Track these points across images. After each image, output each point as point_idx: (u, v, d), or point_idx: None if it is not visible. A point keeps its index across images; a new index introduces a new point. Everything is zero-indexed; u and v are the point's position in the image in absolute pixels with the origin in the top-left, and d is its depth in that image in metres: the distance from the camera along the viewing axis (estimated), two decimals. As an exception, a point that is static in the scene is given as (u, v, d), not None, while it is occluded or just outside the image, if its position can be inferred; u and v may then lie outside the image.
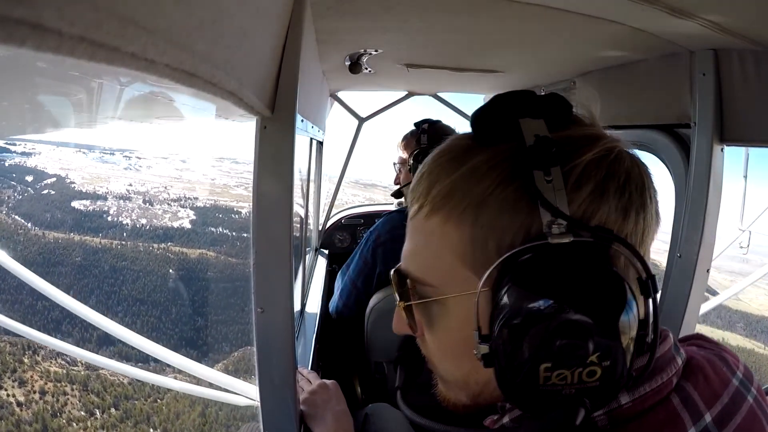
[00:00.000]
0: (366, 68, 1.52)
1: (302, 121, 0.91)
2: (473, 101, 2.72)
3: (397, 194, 1.70)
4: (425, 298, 0.43)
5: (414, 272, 0.44)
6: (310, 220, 2.13)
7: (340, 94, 2.23)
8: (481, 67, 1.60)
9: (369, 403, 1.15)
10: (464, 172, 0.40)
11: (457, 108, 2.46)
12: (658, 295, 0.38)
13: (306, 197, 1.92)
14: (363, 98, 2.66)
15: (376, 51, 1.37)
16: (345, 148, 2.46)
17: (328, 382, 0.98)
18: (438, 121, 1.61)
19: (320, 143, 2.03)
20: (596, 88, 1.50)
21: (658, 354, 0.42)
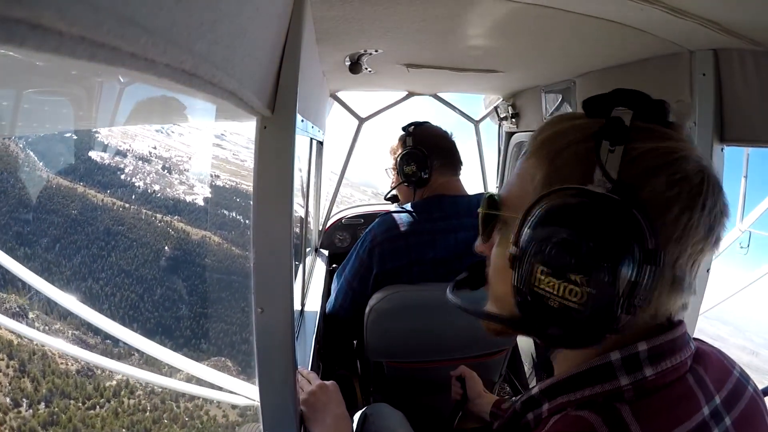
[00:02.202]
0: (366, 68, 1.52)
1: (302, 121, 0.91)
2: (473, 101, 2.72)
3: (392, 198, 1.69)
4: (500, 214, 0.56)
5: (503, 194, 0.56)
6: (310, 220, 2.13)
7: (340, 94, 2.23)
8: (481, 67, 1.60)
9: (368, 403, 1.15)
10: (558, 129, 0.51)
11: (457, 108, 2.46)
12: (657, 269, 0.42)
13: (306, 197, 1.91)
14: (363, 98, 2.65)
15: (376, 51, 1.37)
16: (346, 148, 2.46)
17: (327, 383, 0.98)
18: (425, 122, 1.57)
19: (320, 143, 2.03)
20: (596, 88, 1.50)
21: (677, 335, 0.47)
